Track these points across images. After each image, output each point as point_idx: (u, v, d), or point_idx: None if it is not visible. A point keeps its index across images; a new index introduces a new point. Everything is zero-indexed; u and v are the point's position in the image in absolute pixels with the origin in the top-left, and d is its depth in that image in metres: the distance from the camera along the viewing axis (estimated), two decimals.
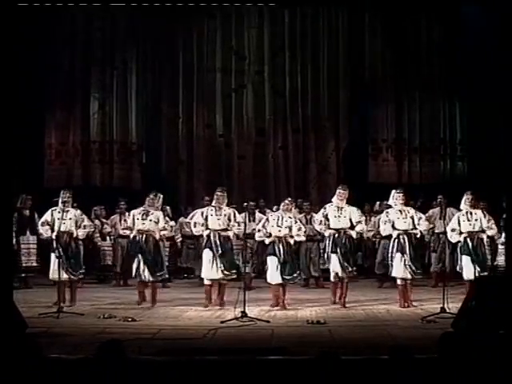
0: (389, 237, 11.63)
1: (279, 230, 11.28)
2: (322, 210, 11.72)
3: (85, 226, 11.46)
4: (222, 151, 17.47)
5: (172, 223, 13.76)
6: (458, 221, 11.48)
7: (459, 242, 11.48)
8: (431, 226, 13.56)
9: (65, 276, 11.08)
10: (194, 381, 6.60)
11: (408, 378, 5.33)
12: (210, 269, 11.27)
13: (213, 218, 11.34)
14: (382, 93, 17.27)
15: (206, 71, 17.40)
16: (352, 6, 17.19)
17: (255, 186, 17.13)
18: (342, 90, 17.32)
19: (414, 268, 11.15)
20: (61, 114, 17.06)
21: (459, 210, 11.75)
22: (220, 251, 11.18)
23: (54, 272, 11.19)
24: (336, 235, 11.35)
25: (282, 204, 11.63)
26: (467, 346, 5.70)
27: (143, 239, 11.27)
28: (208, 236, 11.31)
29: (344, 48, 17.27)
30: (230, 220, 11.35)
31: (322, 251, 13.19)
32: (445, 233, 12.95)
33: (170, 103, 17.52)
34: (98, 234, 14.44)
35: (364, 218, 12.00)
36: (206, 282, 11.36)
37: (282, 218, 11.37)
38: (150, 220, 11.32)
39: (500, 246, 12.69)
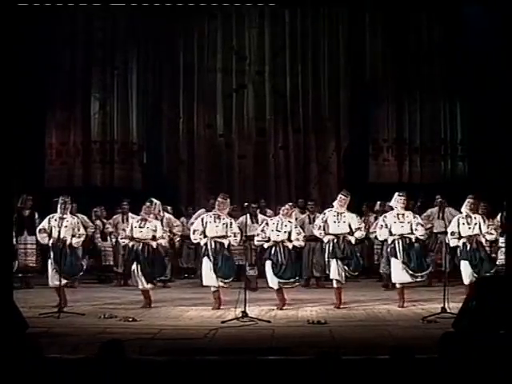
0: (385, 241, 11.66)
1: (278, 235, 11.26)
2: (322, 216, 11.72)
3: (80, 235, 11.41)
4: (222, 151, 17.46)
5: (178, 222, 13.80)
6: (458, 224, 11.48)
7: (458, 246, 11.48)
8: (429, 225, 13.56)
9: (63, 281, 11.06)
10: (195, 381, 6.60)
11: (409, 378, 5.33)
12: (210, 277, 11.24)
13: (211, 225, 11.30)
14: (382, 93, 17.26)
15: (207, 71, 17.39)
16: (352, 6, 17.18)
17: (256, 186, 17.11)
18: (343, 89, 17.30)
19: (410, 271, 11.14)
20: (61, 113, 17.05)
21: (457, 210, 11.75)
22: (215, 261, 11.14)
23: (51, 279, 11.19)
24: (335, 240, 11.34)
25: (282, 208, 11.59)
26: (468, 346, 5.70)
27: (140, 248, 11.28)
28: (205, 244, 11.29)
29: (345, 48, 17.26)
30: (227, 228, 11.32)
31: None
32: (443, 233, 12.99)
33: (171, 103, 17.51)
34: (98, 235, 14.45)
35: (363, 224, 11.98)
36: (213, 289, 11.32)
37: (282, 223, 11.35)
38: (147, 228, 11.34)
39: (500, 245, 12.67)
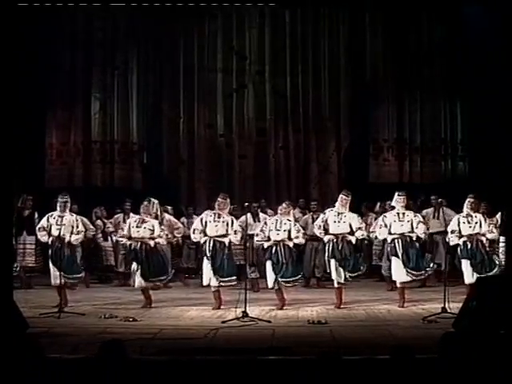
0: (385, 240, 11.66)
1: (278, 234, 11.26)
2: (322, 215, 11.73)
3: (78, 232, 11.41)
4: (222, 151, 17.46)
5: (180, 225, 13.78)
6: (458, 222, 11.48)
7: (458, 245, 11.48)
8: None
9: (63, 281, 11.07)
10: (195, 381, 6.60)
11: (409, 378, 5.33)
12: (209, 277, 11.24)
13: (211, 224, 11.30)
14: (383, 93, 17.25)
15: (207, 71, 17.38)
16: (353, 6, 17.17)
17: (256, 186, 17.11)
18: (343, 89, 17.30)
19: (409, 270, 11.15)
20: (62, 113, 17.05)
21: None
22: (214, 260, 11.14)
23: (53, 278, 11.21)
24: (334, 240, 11.34)
25: (280, 208, 11.58)
26: (468, 346, 5.70)
27: (138, 247, 11.30)
28: (205, 243, 11.28)
29: (345, 48, 17.25)
30: (228, 227, 11.32)
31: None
32: (438, 233, 12.99)
33: (171, 103, 17.51)
34: (100, 235, 14.44)
35: (364, 224, 11.97)
36: (213, 289, 11.32)
37: (281, 222, 11.35)
38: (145, 228, 11.36)
39: (501, 244, 12.67)
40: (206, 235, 11.27)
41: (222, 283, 11.18)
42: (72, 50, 16.92)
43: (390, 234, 11.31)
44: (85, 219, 12.73)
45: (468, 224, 11.43)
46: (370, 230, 13.25)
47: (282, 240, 11.22)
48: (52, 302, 10.93)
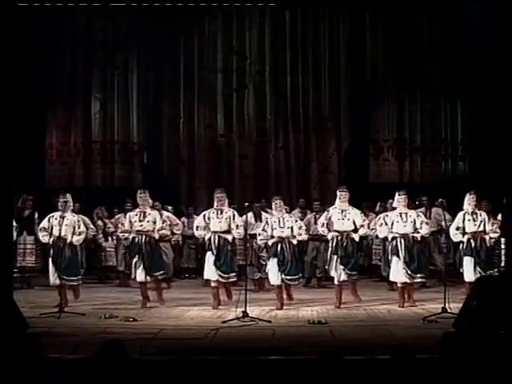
0: (385, 239, 11.66)
1: (282, 231, 11.29)
2: (326, 213, 11.73)
3: (80, 233, 11.40)
4: (223, 151, 17.47)
5: (178, 221, 13.77)
6: (463, 219, 11.47)
7: (462, 242, 11.48)
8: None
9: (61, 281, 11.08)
10: (195, 381, 6.60)
11: (409, 378, 5.33)
12: (211, 270, 11.27)
13: (214, 220, 11.32)
14: (383, 93, 17.26)
15: (207, 71, 17.39)
16: (353, 6, 17.18)
17: (256, 186, 17.12)
18: (343, 89, 17.30)
19: (409, 272, 11.14)
20: (62, 113, 17.06)
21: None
22: (218, 256, 11.16)
23: (52, 277, 11.23)
24: (339, 238, 11.35)
25: (274, 204, 11.56)
26: (468, 346, 5.70)
27: (142, 240, 11.30)
28: (209, 239, 11.31)
29: (345, 48, 17.25)
30: (230, 221, 11.34)
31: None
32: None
33: (171, 103, 17.52)
34: (101, 235, 14.44)
35: (367, 221, 11.97)
36: (213, 284, 11.34)
37: (283, 219, 11.38)
38: (148, 221, 11.37)
39: (502, 246, 12.67)
40: (209, 231, 11.28)
41: (221, 278, 11.20)
42: (72, 50, 16.94)
43: (390, 232, 11.31)
44: (86, 219, 12.73)
45: (473, 222, 11.43)
46: (371, 227, 13.26)
47: (286, 237, 11.25)
48: (52, 302, 10.93)
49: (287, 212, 12.15)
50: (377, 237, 12.50)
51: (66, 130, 17.07)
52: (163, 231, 11.55)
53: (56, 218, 11.27)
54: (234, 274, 11.38)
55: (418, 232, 11.25)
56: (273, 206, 11.64)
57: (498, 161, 12.47)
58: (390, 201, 12.43)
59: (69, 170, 17.03)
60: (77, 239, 11.34)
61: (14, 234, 12.70)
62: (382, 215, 11.83)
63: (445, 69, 17.01)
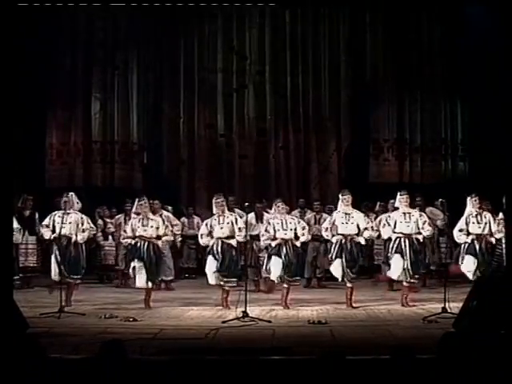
0: (387, 240, 11.66)
1: (285, 233, 11.29)
2: (329, 218, 11.74)
3: (84, 230, 11.43)
4: (223, 151, 17.46)
5: (178, 222, 13.77)
6: (467, 222, 11.47)
7: (466, 242, 11.47)
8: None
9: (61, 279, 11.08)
10: (195, 381, 6.58)
11: (409, 378, 5.33)
12: (214, 277, 11.26)
13: (217, 227, 11.28)
14: (383, 93, 17.25)
15: (207, 71, 17.39)
16: (353, 6, 17.17)
17: (256, 186, 17.11)
18: (343, 89, 17.30)
19: (411, 273, 11.15)
20: (62, 113, 17.05)
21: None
22: (222, 261, 11.16)
23: (54, 274, 11.25)
24: (343, 241, 11.35)
25: (276, 207, 11.55)
26: (468, 346, 5.70)
27: (145, 246, 11.28)
28: (212, 244, 11.29)
29: (345, 48, 17.25)
30: (233, 226, 11.32)
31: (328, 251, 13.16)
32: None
33: (171, 103, 17.51)
34: (100, 234, 14.44)
35: (371, 224, 11.97)
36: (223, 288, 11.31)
37: (286, 221, 11.39)
38: (152, 226, 11.34)
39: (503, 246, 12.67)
40: (212, 237, 11.28)
41: (223, 283, 11.17)
42: (72, 50, 16.93)
43: (394, 232, 11.31)
44: (86, 217, 12.73)
45: (477, 224, 11.44)
46: (374, 228, 13.26)
47: (289, 239, 11.25)
48: (52, 302, 10.91)
49: (287, 212, 12.13)
50: (378, 237, 12.48)
51: (66, 130, 17.06)
52: (166, 237, 11.55)
53: (59, 216, 11.28)
54: (235, 279, 11.29)
55: (420, 233, 11.26)
56: (275, 209, 11.61)
57: (498, 161, 12.48)
58: (392, 201, 12.44)
59: (69, 169, 17.03)
60: (81, 237, 11.37)
61: (17, 235, 12.74)
62: (384, 216, 11.84)
63: (445, 69, 17.01)
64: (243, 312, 9.88)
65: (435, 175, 17.12)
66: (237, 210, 12.57)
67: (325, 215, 13.68)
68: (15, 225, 11.44)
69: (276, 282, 11.39)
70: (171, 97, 17.50)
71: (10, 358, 5.54)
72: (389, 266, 11.58)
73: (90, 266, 13.31)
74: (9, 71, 8.75)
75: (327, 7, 17.33)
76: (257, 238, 12.38)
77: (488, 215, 11.54)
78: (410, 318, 10.13)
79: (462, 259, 11.53)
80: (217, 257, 11.15)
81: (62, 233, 11.16)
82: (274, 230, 11.31)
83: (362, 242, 11.47)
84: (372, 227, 11.86)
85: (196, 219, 14.95)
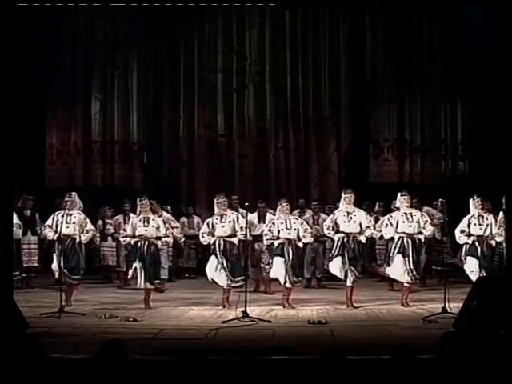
0: (389, 240, 11.66)
1: (289, 233, 11.30)
2: (331, 216, 11.75)
3: (87, 231, 11.46)
4: (223, 151, 17.46)
5: (177, 223, 13.77)
6: (468, 223, 11.46)
7: (466, 243, 11.47)
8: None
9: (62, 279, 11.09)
10: (195, 381, 6.59)
11: (409, 378, 5.33)
12: (216, 275, 11.26)
13: (218, 225, 11.31)
14: (383, 93, 17.24)
15: (207, 71, 17.38)
16: (353, 6, 17.17)
17: (256, 186, 17.11)
18: (343, 89, 17.29)
19: (414, 273, 11.17)
20: (62, 113, 17.04)
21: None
22: (224, 261, 11.16)
23: (55, 271, 11.26)
24: (345, 239, 11.35)
25: (281, 207, 11.55)
26: (468, 346, 5.70)
27: (145, 246, 11.28)
28: (214, 243, 11.30)
29: (345, 48, 17.24)
30: (234, 225, 11.32)
31: (327, 251, 13.15)
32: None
33: (171, 103, 17.51)
34: (98, 234, 14.42)
35: (373, 223, 11.96)
36: (224, 288, 11.29)
37: (290, 221, 11.40)
38: (152, 226, 11.35)
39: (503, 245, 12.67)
40: (213, 236, 11.28)
41: (232, 283, 11.16)
42: (72, 50, 16.92)
43: (396, 232, 11.31)
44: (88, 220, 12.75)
45: (479, 226, 11.43)
46: (377, 228, 13.26)
47: (293, 239, 11.26)
48: (52, 302, 10.91)
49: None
50: (381, 238, 12.47)
51: (66, 130, 17.05)
52: (167, 239, 11.56)
53: (63, 216, 11.28)
54: (241, 278, 11.22)
55: (421, 233, 11.27)
56: (279, 209, 11.59)
57: (498, 161, 12.48)
58: (394, 201, 12.44)
59: (69, 169, 17.02)
60: (85, 238, 11.41)
61: (20, 234, 12.73)
62: (386, 216, 11.84)
63: (445, 69, 17.00)
64: (243, 312, 9.89)
65: (435, 175, 17.11)
66: (240, 209, 12.57)
67: (323, 215, 13.69)
68: (15, 220, 11.39)
69: (282, 283, 11.36)
70: (171, 97, 17.50)
71: (10, 358, 5.54)
72: (389, 265, 11.57)
73: (89, 266, 13.33)
74: (9, 71, 8.76)
75: (327, 7, 17.32)
76: (259, 238, 12.37)
77: (490, 217, 11.52)
78: (410, 318, 10.13)
79: (464, 260, 11.53)
80: (219, 257, 11.15)
81: (66, 233, 11.17)
82: (278, 230, 11.32)
83: (363, 240, 11.47)
84: (374, 226, 11.87)
85: (196, 219, 14.97)
